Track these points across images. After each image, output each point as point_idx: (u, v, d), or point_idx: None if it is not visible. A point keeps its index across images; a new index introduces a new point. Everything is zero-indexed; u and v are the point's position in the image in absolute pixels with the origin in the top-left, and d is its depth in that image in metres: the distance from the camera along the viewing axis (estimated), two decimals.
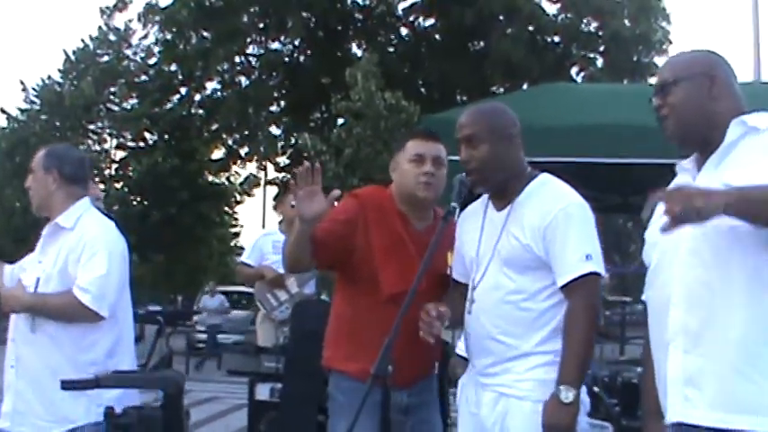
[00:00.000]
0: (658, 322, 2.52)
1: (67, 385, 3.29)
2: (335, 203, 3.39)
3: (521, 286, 3.10)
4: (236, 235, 35.69)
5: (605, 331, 8.16)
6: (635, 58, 24.67)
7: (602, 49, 25.32)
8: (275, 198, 27.90)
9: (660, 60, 24.92)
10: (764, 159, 2.31)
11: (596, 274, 3.05)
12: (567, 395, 2.94)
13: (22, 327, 3.67)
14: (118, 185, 28.87)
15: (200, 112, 27.78)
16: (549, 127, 6.20)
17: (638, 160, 5.90)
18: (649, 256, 2.61)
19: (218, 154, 29.70)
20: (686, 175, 2.57)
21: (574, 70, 25.64)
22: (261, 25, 26.19)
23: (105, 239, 3.78)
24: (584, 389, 3.07)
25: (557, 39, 25.78)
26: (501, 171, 3.18)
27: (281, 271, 6.19)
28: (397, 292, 3.29)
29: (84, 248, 3.69)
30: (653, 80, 21.45)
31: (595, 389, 6.31)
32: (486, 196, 3.31)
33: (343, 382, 3.56)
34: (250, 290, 23.85)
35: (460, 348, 5.03)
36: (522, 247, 3.09)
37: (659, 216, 2.56)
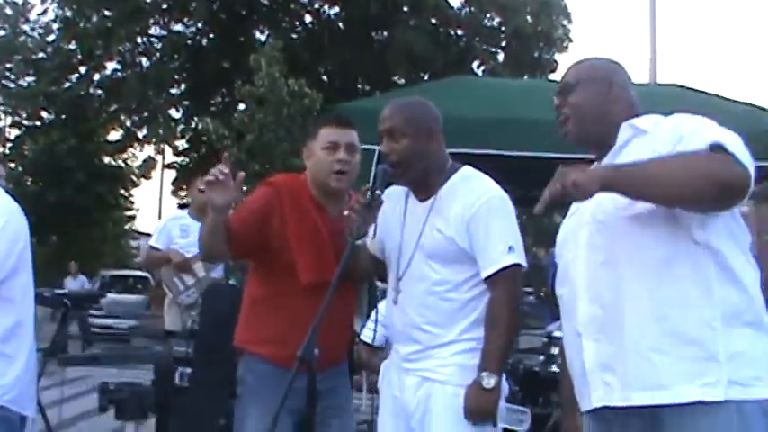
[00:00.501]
0: (569, 317, 2.65)
1: (65, 361, 3.25)
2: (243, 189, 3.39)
3: (445, 277, 3.22)
4: (132, 218, 35.13)
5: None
6: (536, 55, 25.13)
7: (503, 44, 25.70)
8: (173, 182, 27.67)
9: (561, 57, 25.53)
10: (644, 156, 2.45)
11: (518, 265, 3.18)
12: (489, 381, 3.06)
13: None
14: (12, 165, 28.07)
15: (99, 92, 27.21)
16: (449, 118, 6.33)
17: (558, 155, 6.09)
18: (560, 255, 2.74)
19: (115, 135, 29.19)
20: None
21: (475, 64, 25.96)
22: (164, 6, 25.77)
23: None
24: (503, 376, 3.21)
25: (460, 32, 26.04)
26: (421, 164, 3.28)
27: (188, 255, 6.20)
28: (312, 280, 3.37)
29: None
30: (553, 76, 21.87)
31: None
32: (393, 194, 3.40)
33: (256, 365, 3.60)
34: (144, 274, 23.45)
35: (365, 335, 5.12)
36: (445, 240, 3.19)
37: (569, 216, 2.71)
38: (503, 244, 3.18)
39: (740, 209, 2.54)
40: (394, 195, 3.37)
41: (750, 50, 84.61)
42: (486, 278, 3.17)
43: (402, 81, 25.36)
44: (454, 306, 3.22)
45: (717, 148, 2.31)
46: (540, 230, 32.40)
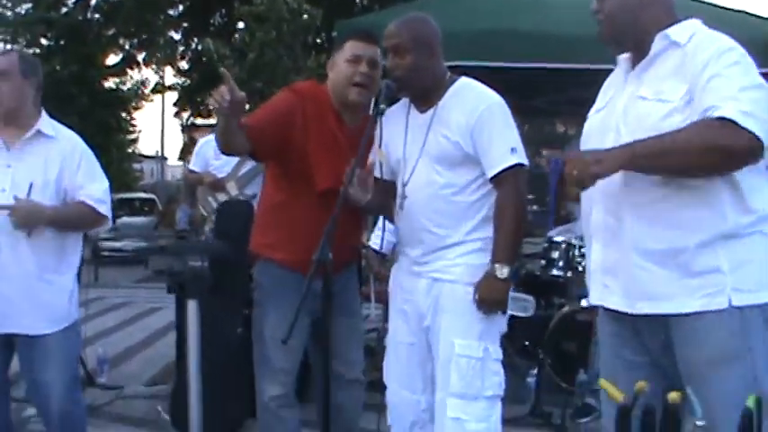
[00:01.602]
0: (587, 218, 2.83)
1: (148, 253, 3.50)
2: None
3: (450, 181, 3.42)
4: (134, 141, 35.15)
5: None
6: None
7: None
8: (175, 104, 27.59)
9: None
10: (674, 79, 2.57)
11: (521, 165, 3.39)
12: (503, 271, 3.32)
13: (13, 230, 3.71)
14: None
15: (97, 16, 26.97)
16: (447, 32, 6.43)
17: (564, 65, 6.19)
18: (584, 146, 2.85)
19: (115, 59, 29.02)
20: (620, 70, 2.83)
21: None
22: None
23: (90, 151, 3.93)
24: None
25: None
26: (424, 79, 3.47)
27: (221, 175, 6.44)
28: (329, 187, 3.55)
29: (81, 158, 3.85)
30: None
31: None
32: (406, 100, 3.57)
33: (271, 269, 3.82)
34: (150, 196, 23.70)
35: (374, 242, 5.31)
36: (451, 145, 3.39)
37: (597, 111, 2.85)
38: (506, 145, 3.39)
39: None
40: (394, 112, 3.55)
41: None
42: (492, 178, 3.38)
43: None
44: (460, 208, 3.43)
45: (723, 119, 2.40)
46: (541, 139, 32.44)
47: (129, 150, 34.49)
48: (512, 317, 6.15)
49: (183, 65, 27.27)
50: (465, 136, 3.39)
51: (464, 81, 3.52)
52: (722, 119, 2.40)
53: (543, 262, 6.72)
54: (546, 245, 6.65)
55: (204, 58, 20.66)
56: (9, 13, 28.86)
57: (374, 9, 23.61)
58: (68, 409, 3.94)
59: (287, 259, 3.69)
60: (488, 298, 3.35)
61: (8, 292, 3.78)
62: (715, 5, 7.44)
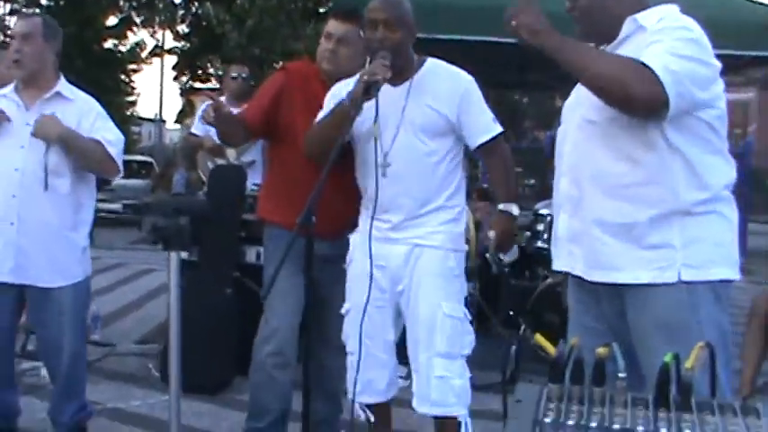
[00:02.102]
0: (556, 187, 2.99)
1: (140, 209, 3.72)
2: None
3: (434, 149, 3.63)
4: (133, 104, 35.18)
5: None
6: None
7: None
8: (174, 67, 27.61)
9: None
10: (633, 55, 2.68)
11: (503, 133, 3.76)
12: (513, 208, 3.74)
13: (30, 184, 3.88)
14: None
15: None
16: (449, 5, 6.56)
17: None
18: (561, 122, 3.02)
19: (114, 21, 28.96)
20: None
21: None
22: None
23: (105, 113, 4.12)
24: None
25: None
26: (405, 54, 3.67)
27: None
28: None
29: (96, 117, 4.03)
30: None
31: (486, 255, 6.88)
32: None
33: (273, 232, 4.08)
34: (147, 159, 23.69)
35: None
36: (438, 116, 3.61)
37: (576, 89, 2.98)
38: (489, 116, 3.71)
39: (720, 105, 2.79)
40: (351, 82, 3.69)
41: None
42: (481, 145, 3.68)
43: None
44: (440, 175, 3.65)
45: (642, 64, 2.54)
46: (540, 113, 32.53)
47: (128, 113, 34.51)
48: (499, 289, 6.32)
49: (183, 29, 27.28)
50: (452, 107, 3.62)
51: (434, 60, 3.76)
52: (644, 64, 2.53)
53: (528, 234, 6.88)
54: (532, 217, 6.81)
55: (204, 23, 20.68)
56: None
57: None
58: (76, 364, 4.12)
59: (285, 222, 3.83)
60: (502, 233, 3.72)
61: (25, 244, 3.94)
62: None
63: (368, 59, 3.67)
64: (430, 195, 3.64)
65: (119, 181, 19.77)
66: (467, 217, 4.36)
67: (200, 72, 26.26)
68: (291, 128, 4.00)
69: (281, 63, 17.74)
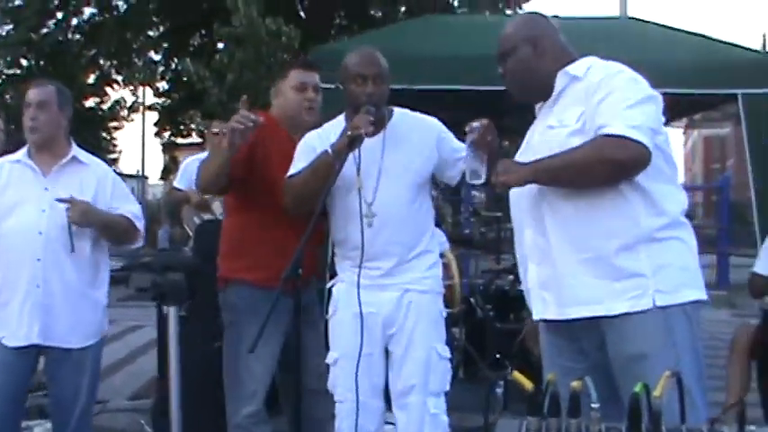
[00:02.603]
0: (519, 240, 3.13)
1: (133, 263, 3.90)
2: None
3: (416, 196, 3.80)
4: (115, 161, 35.25)
5: (481, 244, 8.83)
6: None
7: None
8: (156, 123, 27.75)
9: None
10: (573, 106, 2.92)
11: None
12: None
13: (54, 247, 3.99)
14: None
15: (78, 37, 27.12)
16: (422, 57, 6.75)
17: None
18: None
19: (94, 79, 29.12)
20: (538, 114, 3.16)
21: None
22: None
23: (119, 177, 4.28)
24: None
25: None
26: (384, 107, 3.87)
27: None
28: None
29: (114, 183, 4.21)
30: (526, 6, 21.89)
31: (471, 299, 6.99)
32: (339, 123, 3.88)
33: (244, 290, 4.08)
34: None
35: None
36: (418, 163, 3.80)
37: (525, 142, 3.16)
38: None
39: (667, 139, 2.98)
40: (325, 134, 3.81)
41: None
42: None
43: (379, 14, 25.37)
44: (421, 219, 3.85)
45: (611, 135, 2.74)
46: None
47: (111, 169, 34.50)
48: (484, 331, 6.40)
49: (164, 85, 27.45)
50: (431, 152, 3.84)
51: (399, 109, 3.95)
52: (611, 135, 2.73)
53: (511, 277, 7.00)
54: (514, 261, 6.91)
55: (184, 79, 20.83)
56: None
57: (353, 28, 23.93)
58: (85, 420, 4.21)
59: (260, 278, 3.96)
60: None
61: (51, 306, 4.05)
62: (675, 29, 7.76)
63: (342, 113, 3.82)
64: (416, 240, 3.80)
65: None
66: (452, 263, 4.49)
67: (181, 127, 26.36)
68: (265, 181, 4.03)
69: None
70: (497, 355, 6.70)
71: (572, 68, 3.02)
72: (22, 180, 4.17)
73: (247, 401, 4.10)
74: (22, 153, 4.24)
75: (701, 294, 2.93)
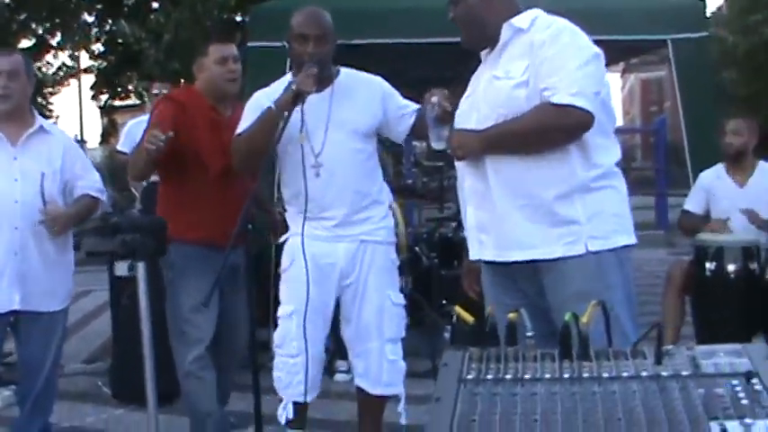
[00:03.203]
0: (461, 186, 3.28)
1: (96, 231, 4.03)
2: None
3: (361, 147, 3.96)
4: None
5: (424, 193, 8.96)
6: None
7: None
8: (92, 87, 27.36)
9: None
10: (519, 59, 3.06)
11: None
12: None
13: (30, 214, 4.08)
14: None
15: (8, 1, 26.59)
16: (388, 9, 6.83)
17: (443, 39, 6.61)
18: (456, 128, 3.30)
19: (27, 44, 28.62)
20: (483, 61, 3.28)
21: None
22: None
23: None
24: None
25: None
26: (329, 65, 3.98)
27: None
28: (224, 164, 4.13)
29: (76, 151, 4.36)
30: None
31: (416, 248, 7.15)
32: (282, 82, 3.97)
33: (183, 249, 4.25)
34: None
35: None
36: (364, 118, 3.95)
37: (466, 97, 3.29)
38: (406, 101, 4.07)
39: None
40: (272, 92, 3.95)
41: None
42: (414, 125, 4.04)
43: None
44: (369, 170, 4.01)
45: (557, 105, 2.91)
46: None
47: None
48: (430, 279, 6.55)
49: (99, 47, 27.05)
50: (376, 110, 3.98)
51: (346, 69, 4.08)
52: (557, 104, 2.91)
53: (454, 224, 7.18)
54: (457, 209, 7.09)
55: (120, 41, 20.57)
56: None
57: None
58: (51, 381, 4.33)
59: (198, 237, 4.16)
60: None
61: (28, 271, 4.13)
62: None
63: (290, 70, 3.93)
64: (366, 189, 3.96)
65: None
66: (396, 213, 4.66)
67: (119, 89, 26.05)
68: (195, 148, 4.26)
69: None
70: (444, 302, 6.88)
71: (516, 20, 3.14)
72: None
73: (192, 347, 4.32)
74: None
75: (631, 239, 3.11)
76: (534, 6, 3.22)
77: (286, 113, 3.68)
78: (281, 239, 4.11)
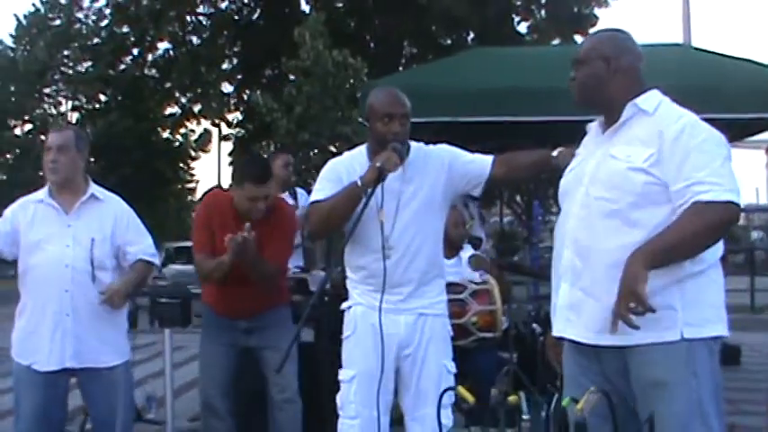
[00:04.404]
0: (557, 258, 3.24)
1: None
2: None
3: (433, 223, 4.03)
4: (193, 191, 35.96)
5: (539, 273, 8.87)
6: (575, 9, 25.04)
7: (543, 0, 25.58)
8: (230, 153, 28.29)
9: (600, 12, 25.47)
10: (642, 144, 3.01)
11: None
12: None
13: (80, 278, 4.33)
14: None
15: (153, 72, 27.93)
16: (481, 89, 6.95)
17: (555, 118, 6.65)
18: (560, 202, 3.28)
19: (170, 111, 29.89)
20: (592, 133, 3.27)
21: (517, 19, 26.01)
22: None
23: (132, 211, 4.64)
24: None
25: None
26: None
27: None
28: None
29: (129, 217, 4.56)
30: (592, 30, 21.70)
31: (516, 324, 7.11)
32: (360, 157, 4.06)
33: (210, 313, 5.10)
34: None
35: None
36: (433, 194, 4.00)
37: (570, 170, 3.26)
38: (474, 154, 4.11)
39: None
40: (347, 162, 4.06)
41: None
42: (492, 166, 4.05)
43: (447, 42, 25.55)
44: (432, 249, 4.06)
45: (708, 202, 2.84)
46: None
47: (188, 199, 35.29)
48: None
49: (238, 116, 28.04)
50: (444, 177, 4.01)
51: (415, 143, 4.08)
52: (713, 202, 2.85)
53: None
54: None
55: (257, 111, 21.26)
56: (71, 72, 30.04)
57: (426, 57, 24.05)
58: None
59: (216, 309, 5.03)
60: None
61: (81, 332, 4.36)
62: (725, 56, 7.83)
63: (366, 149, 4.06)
64: (429, 268, 4.02)
65: (178, 266, 20.07)
66: (494, 290, 4.76)
67: None
68: (216, 249, 4.77)
69: (329, 146, 18.19)
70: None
71: (642, 102, 3.10)
72: (46, 218, 4.47)
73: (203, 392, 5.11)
74: (43, 193, 4.53)
75: (725, 331, 3.03)
76: (656, 86, 3.19)
77: (369, 190, 3.77)
78: (343, 306, 4.20)
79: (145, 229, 4.65)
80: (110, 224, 4.45)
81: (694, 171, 2.87)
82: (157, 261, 4.72)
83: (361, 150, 4.08)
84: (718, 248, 3.02)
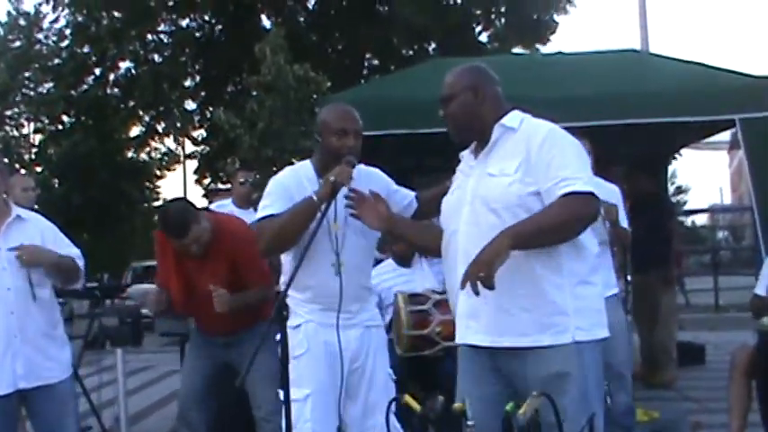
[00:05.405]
0: (450, 274, 3.41)
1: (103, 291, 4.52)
2: None
3: (369, 244, 4.21)
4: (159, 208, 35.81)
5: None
6: (535, 17, 25.19)
7: (503, 9, 25.69)
8: (195, 171, 28.25)
9: (560, 18, 25.68)
10: (511, 157, 3.27)
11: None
12: None
13: (22, 299, 4.46)
14: (39, 169, 28.90)
15: (116, 91, 27.83)
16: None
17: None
18: (445, 226, 3.50)
19: (135, 131, 29.81)
20: (466, 160, 3.49)
21: (478, 29, 26.17)
22: (170, 3, 26.15)
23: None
24: None
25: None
26: None
27: None
28: (182, 301, 5.11)
29: (54, 233, 4.70)
30: (554, 38, 21.73)
31: None
32: (309, 174, 4.13)
33: (196, 331, 5.51)
34: None
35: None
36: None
37: (451, 193, 3.49)
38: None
39: None
40: (294, 176, 4.14)
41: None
42: (417, 199, 4.29)
43: (409, 53, 25.65)
44: (370, 261, 4.33)
45: (570, 194, 3.10)
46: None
47: (154, 218, 35.15)
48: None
49: (202, 133, 27.99)
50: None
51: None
52: (577, 192, 3.12)
53: None
54: None
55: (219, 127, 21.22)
56: (32, 93, 29.88)
57: (389, 68, 24.15)
58: None
59: (198, 327, 5.39)
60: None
61: (28, 351, 4.48)
62: (676, 59, 7.97)
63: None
64: (368, 282, 4.27)
65: (144, 286, 20.07)
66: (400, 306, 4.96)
67: (220, 174, 26.85)
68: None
69: (293, 161, 18.16)
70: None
71: (507, 121, 3.36)
72: None
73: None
74: None
75: (606, 333, 3.33)
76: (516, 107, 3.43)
77: (324, 205, 3.81)
78: (290, 325, 4.19)
79: (69, 241, 4.77)
80: (38, 241, 4.57)
81: (559, 170, 3.15)
82: (82, 266, 4.77)
83: (306, 165, 4.14)
84: (596, 245, 3.38)
